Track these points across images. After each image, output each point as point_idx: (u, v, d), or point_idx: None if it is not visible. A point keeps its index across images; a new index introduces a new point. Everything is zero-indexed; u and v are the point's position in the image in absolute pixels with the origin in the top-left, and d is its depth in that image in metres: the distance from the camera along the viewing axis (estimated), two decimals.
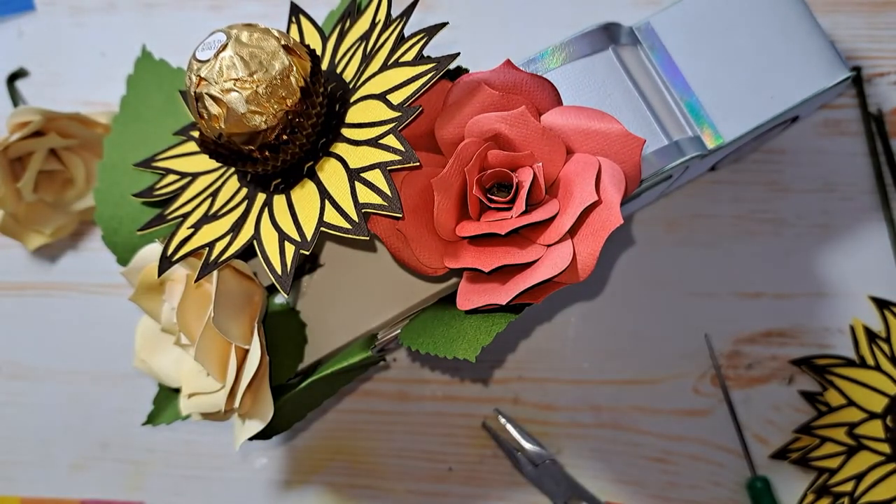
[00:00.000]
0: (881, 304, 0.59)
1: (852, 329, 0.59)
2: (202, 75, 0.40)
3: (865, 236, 0.60)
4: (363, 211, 0.39)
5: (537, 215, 0.40)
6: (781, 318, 0.60)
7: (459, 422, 0.61)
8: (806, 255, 0.60)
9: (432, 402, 0.61)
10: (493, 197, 0.42)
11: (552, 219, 0.40)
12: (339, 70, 0.45)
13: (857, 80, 0.62)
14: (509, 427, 0.59)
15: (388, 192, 0.39)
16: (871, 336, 0.59)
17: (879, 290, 0.60)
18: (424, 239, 0.43)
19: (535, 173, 0.40)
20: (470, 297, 0.42)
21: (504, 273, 0.41)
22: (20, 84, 0.68)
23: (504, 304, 0.40)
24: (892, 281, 0.60)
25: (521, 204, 0.40)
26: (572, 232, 0.40)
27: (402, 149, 0.39)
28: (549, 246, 0.40)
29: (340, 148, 0.42)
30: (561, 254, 0.39)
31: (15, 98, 0.67)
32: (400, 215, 0.39)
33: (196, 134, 0.45)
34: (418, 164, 0.39)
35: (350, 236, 0.39)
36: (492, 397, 0.61)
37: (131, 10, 0.68)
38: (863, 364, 0.58)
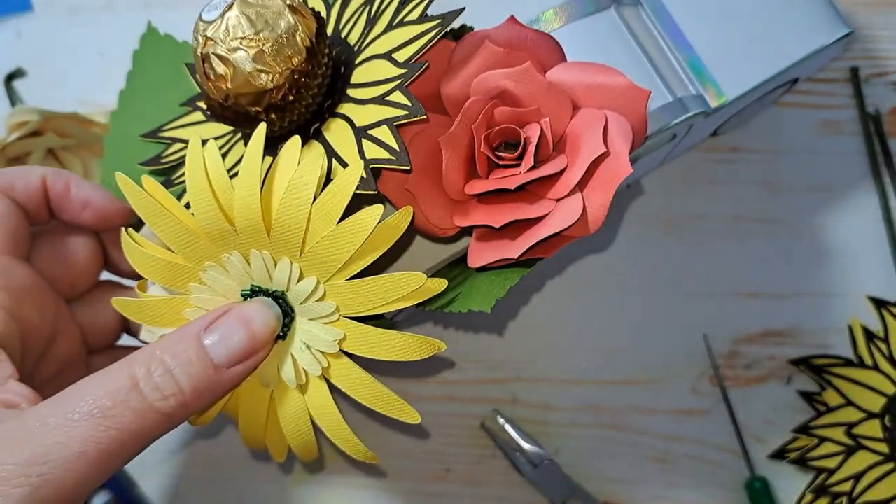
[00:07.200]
0: (879, 304, 0.59)
1: (850, 329, 0.59)
2: (208, 35, 0.40)
3: (863, 236, 0.61)
4: (371, 167, 0.39)
5: (546, 169, 0.40)
6: (780, 318, 0.60)
7: (458, 422, 0.60)
8: (804, 255, 0.61)
9: (431, 401, 0.60)
10: (501, 154, 0.42)
11: (561, 172, 0.40)
12: (343, 35, 0.45)
13: (856, 80, 0.63)
14: (508, 427, 0.59)
15: (396, 147, 0.39)
16: (870, 336, 0.59)
17: (878, 290, 0.60)
18: (434, 198, 0.42)
19: (542, 129, 0.40)
20: (481, 253, 0.42)
21: (514, 229, 0.41)
22: (18, 84, 0.68)
23: (516, 258, 0.40)
24: (891, 281, 0.60)
25: (529, 159, 0.40)
26: (581, 185, 0.40)
27: (409, 103, 0.39)
28: (558, 200, 0.40)
29: (346, 108, 0.42)
30: (571, 207, 0.39)
31: (13, 98, 0.67)
32: (408, 167, 0.38)
33: (202, 104, 0.45)
34: (425, 116, 0.39)
35: (358, 191, 0.39)
36: (490, 398, 0.60)
37: (129, 10, 0.68)
38: (861, 364, 0.58)
